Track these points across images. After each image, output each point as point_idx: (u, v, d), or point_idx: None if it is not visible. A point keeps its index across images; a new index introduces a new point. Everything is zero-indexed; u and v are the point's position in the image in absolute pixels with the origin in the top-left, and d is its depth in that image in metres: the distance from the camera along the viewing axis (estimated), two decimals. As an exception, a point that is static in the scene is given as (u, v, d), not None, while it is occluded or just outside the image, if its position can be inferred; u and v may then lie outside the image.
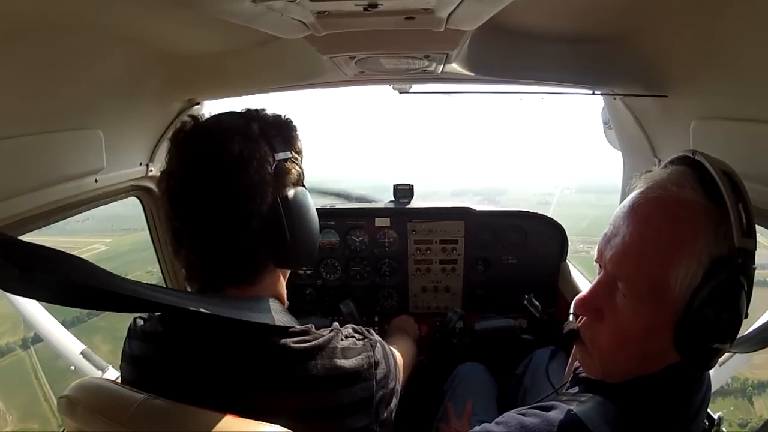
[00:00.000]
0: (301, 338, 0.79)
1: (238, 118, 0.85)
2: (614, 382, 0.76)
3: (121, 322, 0.92)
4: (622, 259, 0.70)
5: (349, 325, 0.90)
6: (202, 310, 0.71)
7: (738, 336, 0.67)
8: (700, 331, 0.64)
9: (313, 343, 0.78)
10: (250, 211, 0.79)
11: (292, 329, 0.80)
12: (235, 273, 0.83)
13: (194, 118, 0.86)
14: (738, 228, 0.62)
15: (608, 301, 0.72)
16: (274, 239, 0.82)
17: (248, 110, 0.90)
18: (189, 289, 0.90)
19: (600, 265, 0.76)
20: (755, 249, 0.63)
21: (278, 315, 0.81)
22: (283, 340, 0.77)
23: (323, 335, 0.81)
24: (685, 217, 0.66)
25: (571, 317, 0.81)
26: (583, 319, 0.78)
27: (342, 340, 0.83)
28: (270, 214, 0.81)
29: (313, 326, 0.83)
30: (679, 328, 0.65)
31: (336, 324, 0.88)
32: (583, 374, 0.87)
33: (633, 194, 0.73)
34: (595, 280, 0.76)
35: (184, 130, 0.84)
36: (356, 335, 0.87)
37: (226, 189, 0.78)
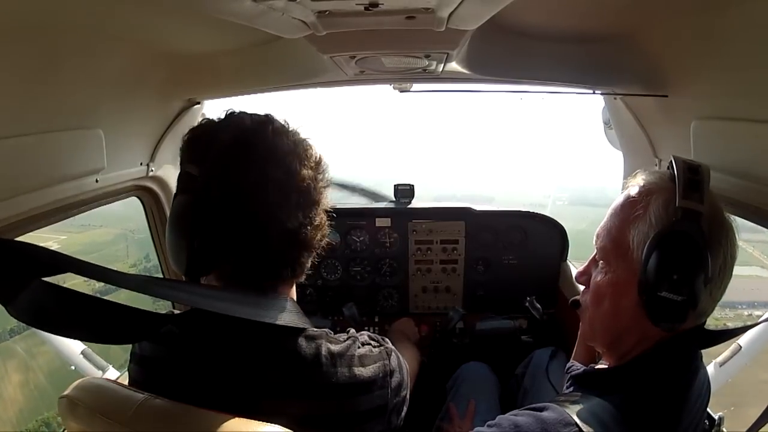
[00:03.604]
0: (318, 343, 0.78)
1: (276, 135, 0.82)
2: (600, 346, 0.91)
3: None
4: (599, 232, 0.89)
5: (365, 332, 0.90)
6: (237, 314, 0.71)
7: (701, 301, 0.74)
8: (651, 281, 0.75)
9: (331, 349, 0.78)
10: (305, 221, 0.82)
11: (308, 333, 0.80)
12: (275, 274, 0.83)
13: (232, 121, 0.82)
14: (680, 192, 0.75)
15: (594, 268, 0.90)
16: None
17: (268, 116, 0.85)
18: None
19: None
20: (702, 213, 0.74)
21: (296, 316, 0.81)
22: (300, 344, 0.77)
23: (341, 341, 0.81)
24: (641, 192, 0.83)
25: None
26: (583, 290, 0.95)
27: (359, 347, 0.83)
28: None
29: (329, 331, 0.83)
30: (639, 283, 0.77)
31: (352, 330, 0.88)
32: (575, 372, 0.94)
33: None
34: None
35: (222, 139, 0.79)
36: (372, 342, 0.87)
37: (289, 203, 0.79)
